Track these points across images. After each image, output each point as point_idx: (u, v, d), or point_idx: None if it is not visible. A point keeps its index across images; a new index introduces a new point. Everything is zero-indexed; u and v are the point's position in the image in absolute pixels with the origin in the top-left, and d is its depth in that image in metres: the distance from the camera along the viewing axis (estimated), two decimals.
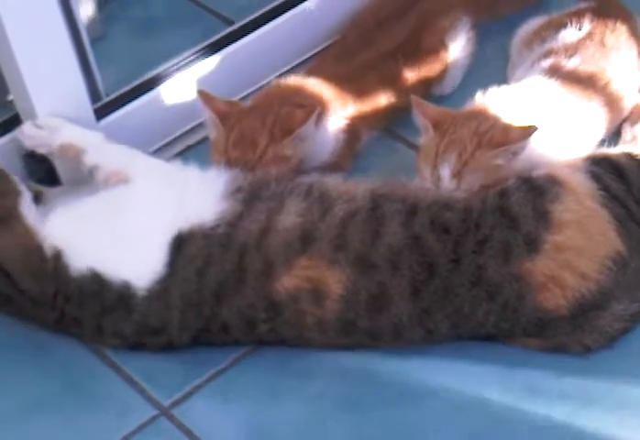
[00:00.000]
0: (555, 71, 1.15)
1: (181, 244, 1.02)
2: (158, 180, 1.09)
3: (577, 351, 1.01)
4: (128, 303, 1.02)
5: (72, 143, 1.10)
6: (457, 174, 1.06)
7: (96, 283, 1.02)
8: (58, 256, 1.02)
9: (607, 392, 0.99)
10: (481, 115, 1.10)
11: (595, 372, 1.01)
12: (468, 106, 1.14)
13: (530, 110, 1.11)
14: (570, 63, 1.16)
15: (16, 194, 1.04)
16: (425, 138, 1.10)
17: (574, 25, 1.21)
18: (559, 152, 1.12)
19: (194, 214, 1.03)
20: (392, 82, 1.20)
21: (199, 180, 1.08)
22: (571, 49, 1.17)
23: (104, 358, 1.06)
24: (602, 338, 1.00)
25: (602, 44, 1.18)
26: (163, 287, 1.01)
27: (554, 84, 1.14)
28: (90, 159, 1.08)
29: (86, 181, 1.13)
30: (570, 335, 1.00)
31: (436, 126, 1.08)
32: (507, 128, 1.07)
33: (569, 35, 1.20)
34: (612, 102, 1.16)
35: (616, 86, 1.16)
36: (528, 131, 1.05)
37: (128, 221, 1.05)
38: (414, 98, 1.12)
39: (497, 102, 1.12)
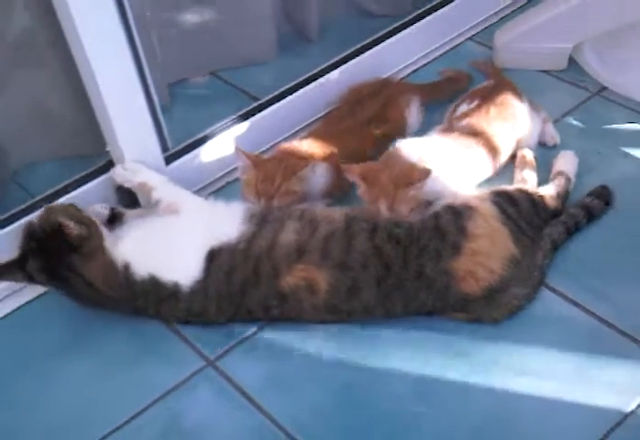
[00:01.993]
0: (455, 130, 1.17)
1: (213, 256, 1.02)
2: (197, 212, 1.09)
3: (488, 321, 1.02)
4: (177, 296, 1.02)
5: (146, 182, 1.12)
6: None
7: (154, 284, 1.02)
8: (127, 267, 1.02)
9: (509, 349, 1.01)
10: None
11: (500, 335, 1.02)
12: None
13: (439, 155, 1.12)
14: (465, 126, 1.17)
15: (99, 235, 1.03)
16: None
17: (471, 101, 1.23)
18: (460, 185, 1.12)
19: (223, 234, 1.04)
20: (368, 139, 1.22)
21: (226, 211, 1.09)
22: (466, 117, 1.19)
23: (169, 327, 1.07)
24: (505, 312, 1.02)
25: (487, 113, 1.19)
26: (202, 285, 1.02)
27: (455, 139, 1.15)
28: (156, 194, 1.10)
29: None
30: (484, 310, 1.02)
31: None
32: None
33: (466, 107, 1.22)
34: (494, 153, 1.16)
35: (496, 143, 1.17)
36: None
37: (176, 240, 1.05)
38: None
39: (415, 150, 1.12)
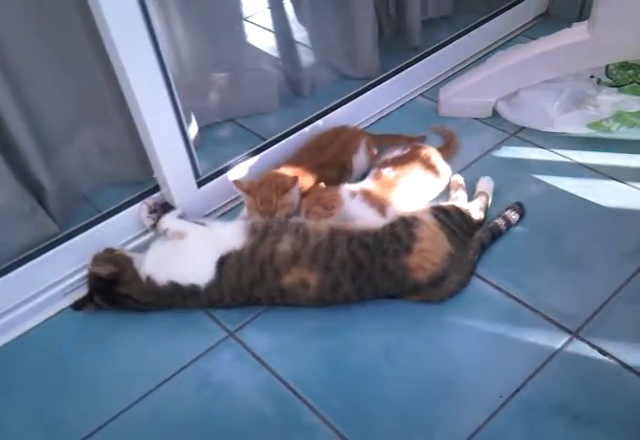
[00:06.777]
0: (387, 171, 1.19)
1: (223, 261, 1.03)
2: (199, 236, 1.07)
3: (435, 300, 1.05)
4: (197, 293, 1.03)
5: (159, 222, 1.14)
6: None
7: (174, 288, 1.03)
8: (148, 278, 1.04)
9: (450, 321, 1.03)
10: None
11: (444, 311, 1.04)
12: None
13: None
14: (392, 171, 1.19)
15: (129, 262, 1.06)
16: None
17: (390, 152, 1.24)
18: (413, 203, 1.15)
19: (230, 245, 1.04)
20: (320, 179, 1.18)
21: (229, 227, 1.08)
22: (386, 164, 1.21)
23: (202, 310, 1.09)
24: (447, 294, 1.05)
25: (401, 166, 1.19)
26: (215, 283, 1.02)
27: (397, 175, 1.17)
28: (164, 224, 1.12)
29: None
30: (431, 292, 1.04)
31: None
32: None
33: (395, 153, 1.23)
34: (415, 187, 1.18)
35: (413, 180, 1.18)
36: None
37: (187, 255, 1.05)
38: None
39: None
